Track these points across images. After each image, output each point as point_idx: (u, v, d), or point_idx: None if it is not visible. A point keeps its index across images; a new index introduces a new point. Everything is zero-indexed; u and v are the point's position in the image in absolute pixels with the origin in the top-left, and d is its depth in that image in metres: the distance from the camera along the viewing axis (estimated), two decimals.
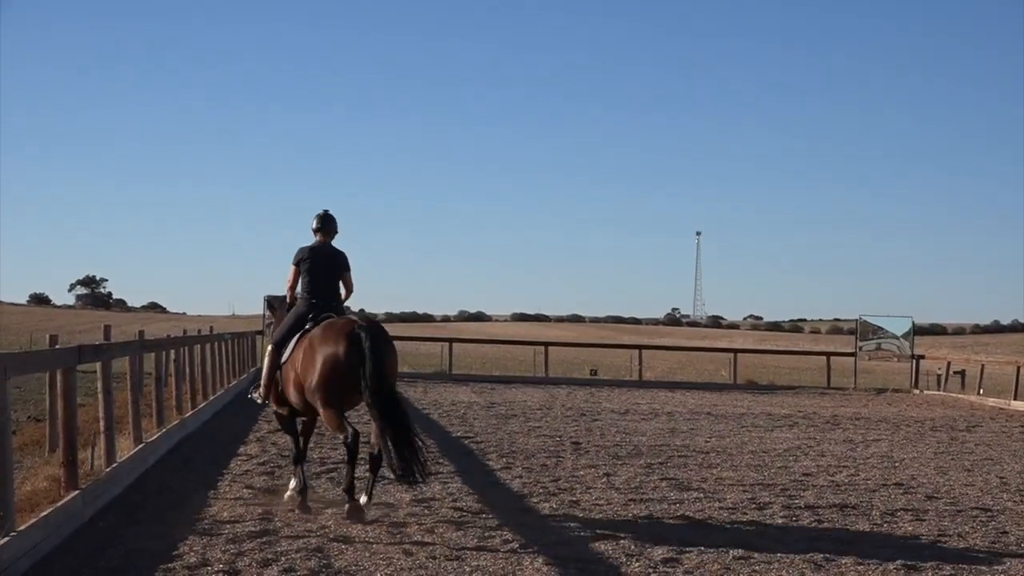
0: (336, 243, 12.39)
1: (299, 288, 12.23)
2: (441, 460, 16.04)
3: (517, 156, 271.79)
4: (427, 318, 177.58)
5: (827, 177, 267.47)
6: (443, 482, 13.85)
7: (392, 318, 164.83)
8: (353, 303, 12.72)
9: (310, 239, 12.37)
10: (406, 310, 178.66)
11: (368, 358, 10.76)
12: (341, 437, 11.27)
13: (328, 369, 11.01)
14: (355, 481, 11.39)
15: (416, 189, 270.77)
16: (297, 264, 12.15)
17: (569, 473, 15.17)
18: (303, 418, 12.40)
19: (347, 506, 11.17)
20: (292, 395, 11.74)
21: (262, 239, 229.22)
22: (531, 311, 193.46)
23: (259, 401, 12.56)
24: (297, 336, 11.77)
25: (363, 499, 11.25)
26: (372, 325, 11.13)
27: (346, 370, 10.90)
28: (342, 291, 12.30)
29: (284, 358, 11.86)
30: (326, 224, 12.29)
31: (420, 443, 10.90)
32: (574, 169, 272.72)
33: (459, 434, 19.93)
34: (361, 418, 16.01)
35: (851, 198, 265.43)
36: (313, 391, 11.20)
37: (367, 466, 11.46)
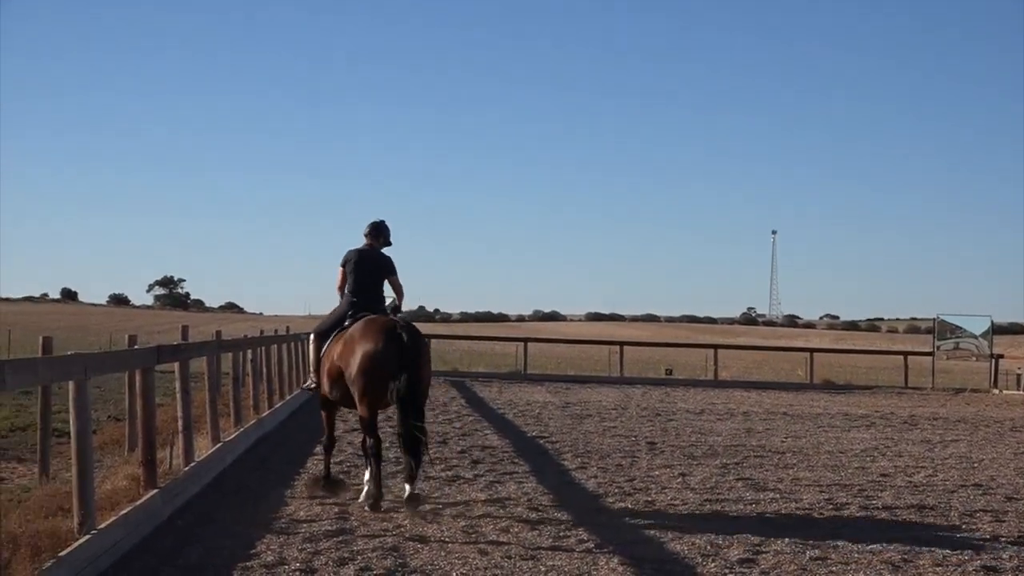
0: (388, 251, 12.83)
1: (346, 289, 12.72)
2: (516, 460, 16.03)
3: (592, 156, 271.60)
4: (502, 318, 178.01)
5: (904, 176, 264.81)
6: (518, 481, 13.85)
7: (467, 318, 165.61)
8: (430, 303, 13.33)
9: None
10: (481, 310, 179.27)
11: (408, 362, 11.25)
12: (369, 440, 11.81)
13: (367, 362, 11.43)
14: (381, 478, 11.80)
15: (492, 189, 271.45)
16: (343, 266, 12.70)
17: (644, 473, 15.12)
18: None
19: (367, 500, 11.72)
20: (325, 384, 12.32)
21: (338, 238, 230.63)
22: (606, 311, 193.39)
23: (313, 386, 12.96)
24: (336, 332, 12.37)
25: (406, 488, 11.38)
26: (410, 327, 11.58)
27: (383, 364, 11.32)
28: (388, 293, 12.77)
29: (323, 351, 12.48)
30: (377, 231, 12.77)
31: (425, 451, 11.39)
32: (649, 168, 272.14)
33: (534, 434, 19.93)
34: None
35: (928, 196, 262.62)
36: (352, 382, 11.66)
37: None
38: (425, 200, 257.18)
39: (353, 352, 11.62)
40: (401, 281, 12.80)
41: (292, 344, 25.91)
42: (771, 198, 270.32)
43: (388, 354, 11.31)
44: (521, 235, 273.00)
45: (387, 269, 12.70)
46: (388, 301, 12.67)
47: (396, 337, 11.36)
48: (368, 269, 12.59)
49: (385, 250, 12.82)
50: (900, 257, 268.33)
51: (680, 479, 14.63)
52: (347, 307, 12.49)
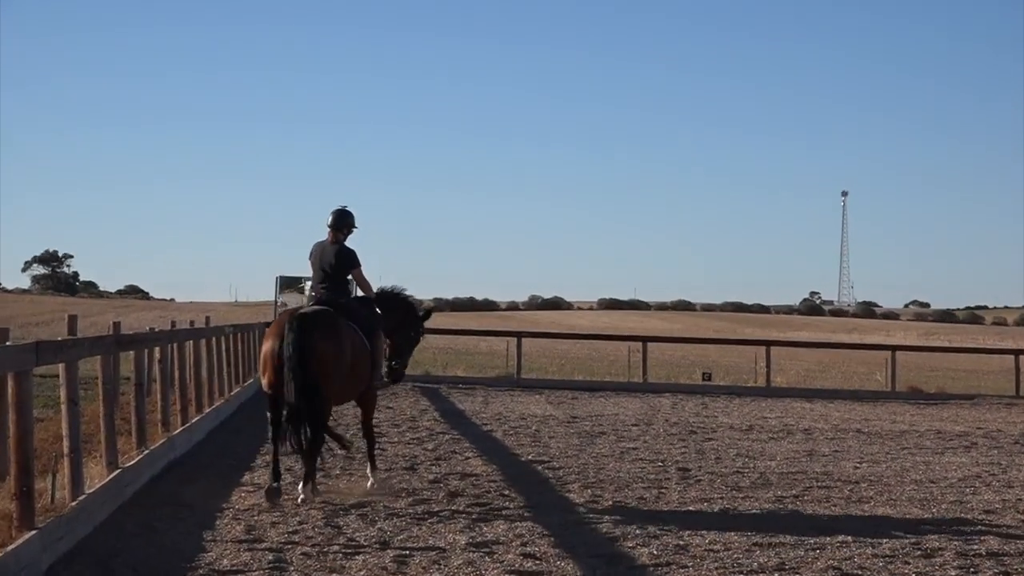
0: (352, 239, 15.97)
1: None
2: (507, 492, 16.03)
3: (604, 101, 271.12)
4: (489, 306, 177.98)
5: (1008, 130, 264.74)
6: (509, 520, 13.86)
7: (443, 305, 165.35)
8: (405, 287, 16.90)
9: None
10: (462, 295, 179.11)
11: (290, 350, 14.23)
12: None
13: (262, 361, 14.95)
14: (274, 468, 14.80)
15: (473, 142, 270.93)
16: (310, 259, 15.82)
17: (675, 509, 15.14)
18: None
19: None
20: None
21: (272, 208, 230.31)
22: (624, 296, 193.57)
23: None
24: None
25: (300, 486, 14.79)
26: (307, 317, 14.62)
27: (270, 363, 14.69)
28: (355, 287, 16.40)
29: None
30: (339, 223, 15.85)
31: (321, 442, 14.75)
32: (675, 118, 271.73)
33: (530, 457, 19.97)
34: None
35: None
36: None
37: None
38: (388, 160, 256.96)
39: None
40: (366, 274, 16.12)
41: (216, 340, 25.79)
42: (841, 153, 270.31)
43: (275, 352, 14.55)
44: (513, 201, 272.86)
45: (348, 262, 15.74)
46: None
47: (281, 335, 14.45)
48: (327, 264, 15.59)
49: (352, 236, 15.87)
50: (1007, 230, 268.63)
51: (721, 517, 14.67)
52: (308, 301, 15.14)
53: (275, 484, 14.55)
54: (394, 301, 16.84)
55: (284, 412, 14.49)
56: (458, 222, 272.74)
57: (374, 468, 16.16)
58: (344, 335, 14.90)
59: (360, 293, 16.76)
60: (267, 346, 14.78)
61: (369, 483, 15.79)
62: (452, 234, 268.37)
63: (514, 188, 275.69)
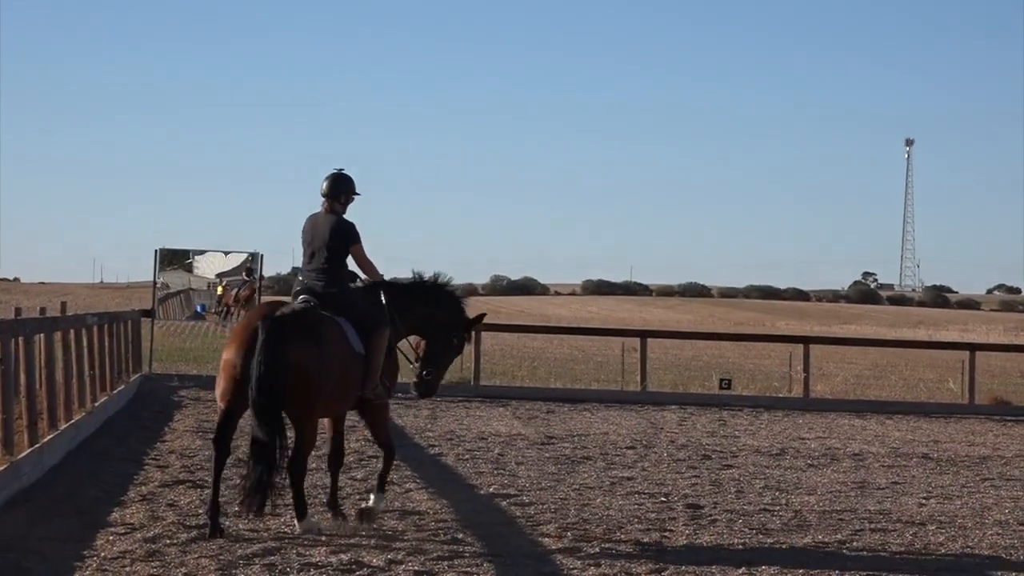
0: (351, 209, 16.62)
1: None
2: (460, 536, 15.92)
3: (598, 31, 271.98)
4: None
5: None
6: (463, 572, 13.85)
7: None
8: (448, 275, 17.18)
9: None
10: (402, 276, 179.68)
11: (256, 358, 14.80)
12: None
13: (221, 371, 15.45)
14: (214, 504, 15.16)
15: (423, 86, 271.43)
16: (301, 237, 16.50)
17: (683, 559, 15.08)
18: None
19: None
20: None
21: (149, 166, 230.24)
22: (617, 278, 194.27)
23: None
24: None
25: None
26: (281, 319, 15.19)
27: (240, 374, 15.10)
28: (355, 268, 16.67)
29: None
30: (335, 189, 16.42)
31: (272, 479, 15.01)
32: (681, 37, 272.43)
33: (492, 489, 19.98)
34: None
35: None
36: None
37: None
38: (293, 105, 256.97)
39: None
40: (368, 254, 16.57)
41: (75, 333, 25.55)
42: (904, 88, 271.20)
43: (246, 363, 14.90)
44: (467, 153, 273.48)
45: (345, 238, 16.22)
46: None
47: (248, 344, 14.98)
48: (319, 241, 16.18)
49: (349, 208, 16.50)
50: None
51: (744, 567, 14.63)
52: (296, 287, 16.42)
53: (217, 521, 15.11)
54: (432, 293, 17.16)
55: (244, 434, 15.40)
56: (395, 182, 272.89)
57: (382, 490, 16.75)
58: (330, 341, 15.46)
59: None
60: (227, 355, 15.35)
61: (371, 501, 16.57)
62: (387, 198, 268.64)
63: (468, 136, 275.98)
